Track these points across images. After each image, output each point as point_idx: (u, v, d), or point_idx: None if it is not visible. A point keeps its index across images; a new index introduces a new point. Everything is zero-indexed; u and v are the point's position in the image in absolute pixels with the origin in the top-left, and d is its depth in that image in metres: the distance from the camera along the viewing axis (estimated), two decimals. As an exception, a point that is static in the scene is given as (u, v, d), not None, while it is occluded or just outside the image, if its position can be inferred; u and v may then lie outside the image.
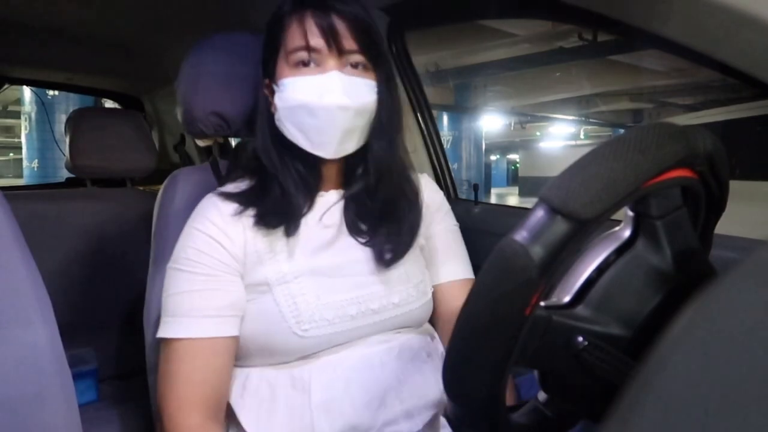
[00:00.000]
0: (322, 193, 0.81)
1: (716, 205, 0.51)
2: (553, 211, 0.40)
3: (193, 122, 0.94)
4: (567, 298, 0.48)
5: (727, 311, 0.31)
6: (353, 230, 0.80)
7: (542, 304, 0.45)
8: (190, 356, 0.71)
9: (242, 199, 0.77)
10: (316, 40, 0.72)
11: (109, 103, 2.41)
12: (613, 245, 0.49)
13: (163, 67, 1.65)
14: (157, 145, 1.95)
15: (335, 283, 0.77)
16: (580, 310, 0.47)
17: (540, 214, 0.40)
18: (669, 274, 0.48)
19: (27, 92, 5.72)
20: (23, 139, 5.80)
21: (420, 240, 0.85)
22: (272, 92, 0.78)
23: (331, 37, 0.71)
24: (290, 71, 0.74)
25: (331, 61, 0.72)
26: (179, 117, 0.98)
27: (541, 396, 0.52)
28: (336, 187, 0.83)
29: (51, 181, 4.18)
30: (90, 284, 1.55)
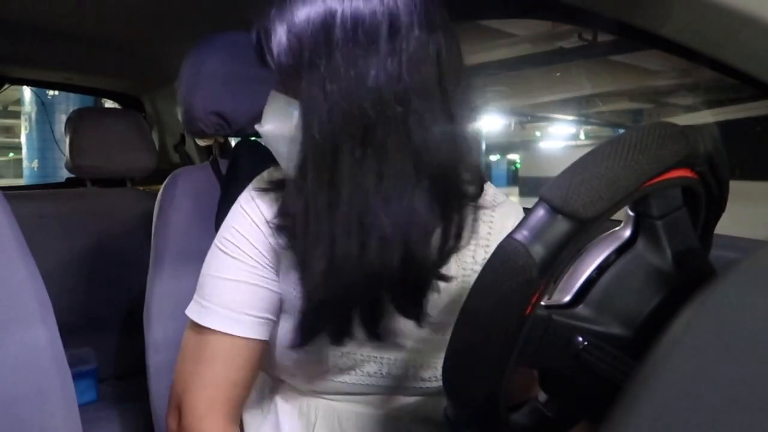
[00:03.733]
0: None
1: (716, 205, 0.52)
2: (554, 210, 0.40)
3: (194, 122, 0.94)
4: (567, 298, 0.48)
5: (727, 311, 0.31)
6: None
7: (542, 303, 0.45)
8: (228, 354, 0.65)
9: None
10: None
11: (109, 103, 2.40)
12: (613, 245, 0.49)
13: (163, 67, 1.65)
14: (157, 145, 1.95)
15: None
16: (580, 309, 0.47)
17: (540, 213, 0.40)
18: (669, 274, 0.48)
19: (27, 92, 5.71)
20: (23, 139, 5.79)
21: None
22: None
23: (259, 59, 0.62)
24: None
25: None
26: (179, 117, 0.98)
27: (541, 396, 0.52)
28: None
29: (51, 181, 4.17)
30: (90, 284, 1.55)
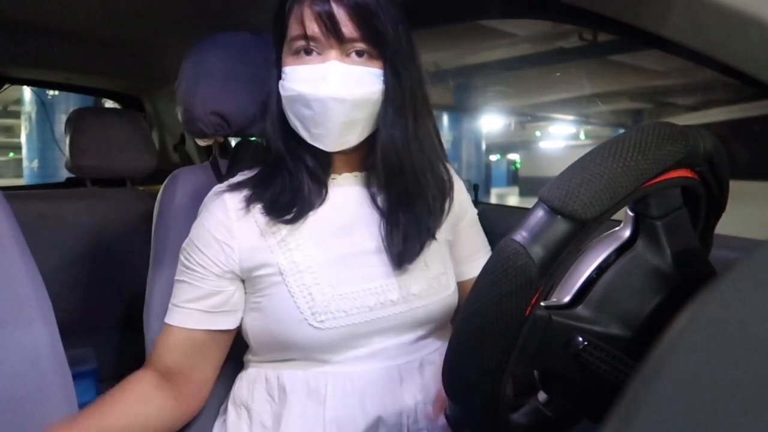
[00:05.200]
0: (335, 176, 0.78)
1: (716, 205, 0.52)
2: (553, 211, 0.40)
3: (193, 122, 0.94)
4: (567, 298, 0.48)
5: (727, 311, 0.31)
6: (366, 220, 0.77)
7: (542, 304, 0.45)
8: (169, 339, 0.76)
9: (250, 189, 0.76)
10: (313, 28, 0.68)
11: (109, 103, 2.41)
12: (613, 245, 0.49)
13: (163, 67, 1.65)
14: (157, 145, 1.95)
15: (351, 273, 0.73)
16: (580, 310, 0.47)
17: (540, 214, 0.40)
18: (669, 274, 0.48)
19: (27, 92, 5.72)
20: (23, 139, 5.80)
21: (446, 235, 0.83)
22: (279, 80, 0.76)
23: (329, 24, 0.67)
24: (292, 60, 0.71)
25: (333, 50, 0.69)
26: (179, 117, 0.98)
27: (541, 396, 0.52)
28: (351, 170, 0.79)
29: (51, 181, 4.18)
30: (90, 284, 1.55)
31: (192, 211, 1.01)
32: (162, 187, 1.00)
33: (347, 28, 0.68)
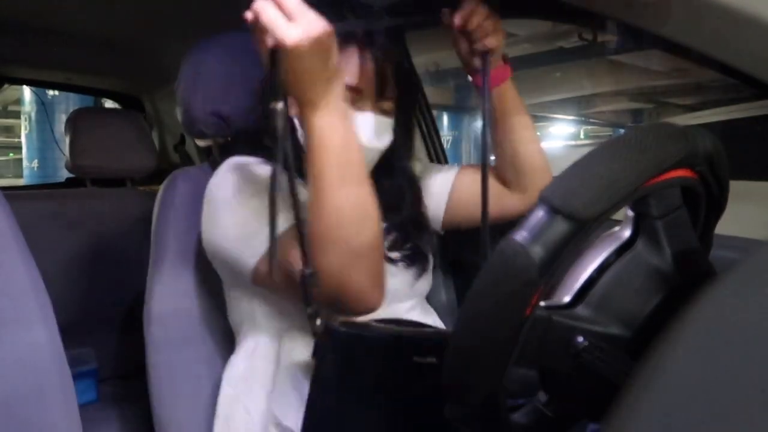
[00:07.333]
0: None
1: (716, 205, 0.52)
2: (553, 211, 0.40)
3: (193, 122, 0.94)
4: (567, 298, 0.48)
5: (727, 311, 0.31)
6: None
7: (542, 304, 0.45)
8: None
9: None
10: (367, 82, 0.72)
11: (109, 103, 2.41)
12: (613, 245, 0.49)
13: (163, 67, 1.65)
14: (157, 145, 1.95)
15: None
16: (580, 310, 0.47)
17: (540, 214, 0.40)
18: (669, 274, 0.48)
19: (27, 92, 5.72)
20: (23, 139, 5.80)
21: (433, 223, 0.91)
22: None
23: (380, 84, 0.72)
24: None
25: (368, 102, 0.73)
26: (179, 117, 0.98)
27: (541, 396, 0.52)
28: None
29: (51, 181, 4.17)
30: (90, 284, 1.55)
31: (192, 211, 1.01)
32: (162, 187, 1.00)
33: (391, 87, 0.73)
